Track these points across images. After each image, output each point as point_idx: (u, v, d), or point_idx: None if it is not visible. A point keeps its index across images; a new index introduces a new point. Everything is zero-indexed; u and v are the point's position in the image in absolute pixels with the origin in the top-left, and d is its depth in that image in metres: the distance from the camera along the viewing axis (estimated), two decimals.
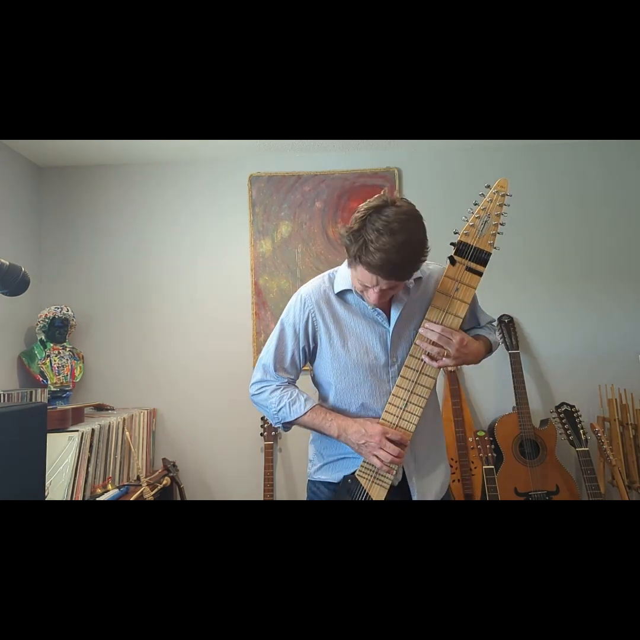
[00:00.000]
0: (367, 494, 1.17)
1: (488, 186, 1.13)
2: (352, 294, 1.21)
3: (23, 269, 0.99)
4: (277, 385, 1.24)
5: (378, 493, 1.17)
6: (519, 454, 2.22)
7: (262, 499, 2.28)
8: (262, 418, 2.37)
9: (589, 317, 2.44)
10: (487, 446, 2.15)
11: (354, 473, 1.19)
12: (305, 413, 1.20)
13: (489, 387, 2.43)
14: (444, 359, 1.14)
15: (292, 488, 2.43)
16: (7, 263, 0.97)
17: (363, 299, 1.19)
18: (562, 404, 2.18)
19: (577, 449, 2.08)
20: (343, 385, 1.22)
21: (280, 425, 1.24)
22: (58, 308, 2.28)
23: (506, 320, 2.40)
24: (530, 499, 2.16)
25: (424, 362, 1.15)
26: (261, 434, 2.37)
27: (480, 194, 1.12)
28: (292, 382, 1.27)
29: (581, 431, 2.10)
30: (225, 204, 2.54)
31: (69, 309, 2.32)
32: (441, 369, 1.18)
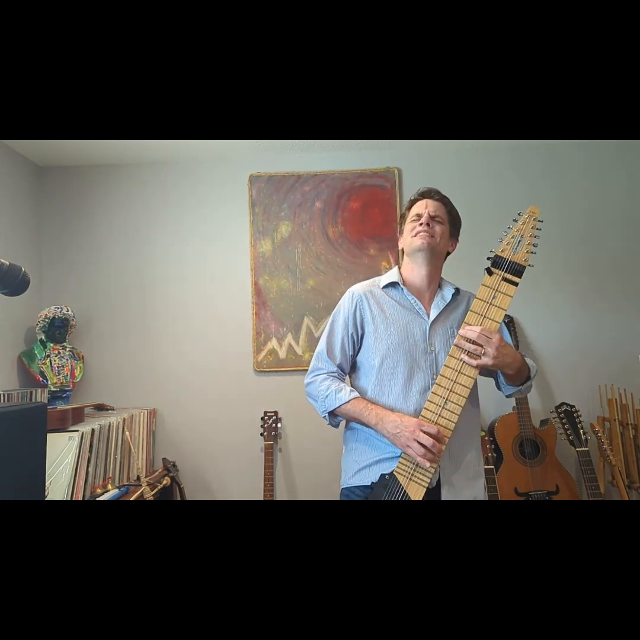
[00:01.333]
0: (405, 491, 1.18)
1: (520, 213, 1.26)
2: (397, 288, 1.38)
3: (23, 269, 0.99)
4: (327, 375, 1.34)
5: (416, 491, 1.18)
6: (519, 454, 2.22)
7: (262, 499, 2.28)
8: (262, 418, 2.37)
9: (589, 317, 2.44)
10: (487, 446, 2.15)
11: (392, 471, 1.21)
12: (349, 401, 1.27)
13: (489, 387, 2.43)
14: (482, 357, 1.19)
15: (292, 488, 2.43)
16: (7, 263, 0.96)
17: (407, 292, 1.36)
18: (562, 404, 2.18)
19: (577, 449, 2.08)
20: (385, 366, 1.29)
21: (326, 415, 1.32)
22: (58, 308, 2.28)
23: (506, 320, 2.39)
24: (530, 499, 2.16)
25: (463, 361, 1.21)
26: (261, 434, 2.37)
27: (513, 220, 1.26)
28: (341, 375, 1.37)
29: (581, 431, 2.10)
30: (225, 204, 2.54)
31: (69, 309, 2.32)
32: (477, 371, 1.22)
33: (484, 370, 1.32)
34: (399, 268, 1.42)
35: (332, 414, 1.32)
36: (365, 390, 1.33)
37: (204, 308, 2.50)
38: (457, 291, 1.39)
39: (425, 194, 1.38)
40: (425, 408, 1.21)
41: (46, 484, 1.43)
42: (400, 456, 1.20)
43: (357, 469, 1.30)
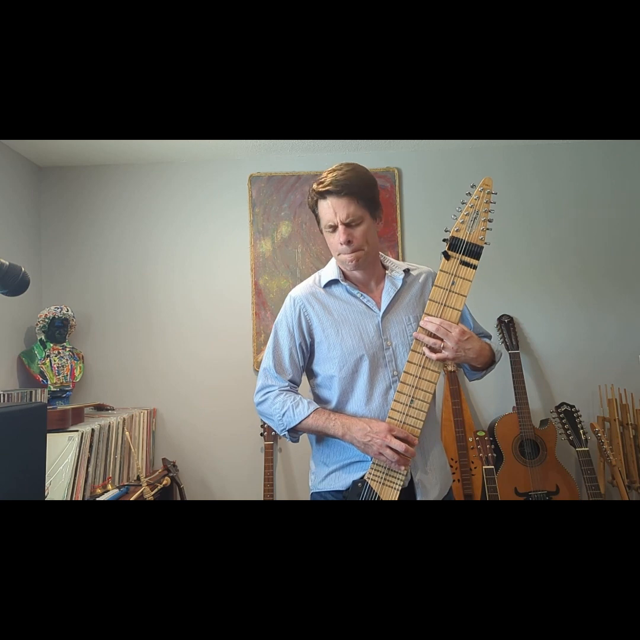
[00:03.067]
0: (378, 496, 1.15)
1: (473, 186, 1.16)
2: (340, 284, 1.27)
3: (23, 269, 0.99)
4: (279, 390, 1.24)
5: (389, 495, 1.15)
6: (519, 454, 2.22)
7: (262, 499, 2.28)
8: None
9: (589, 317, 2.44)
10: (487, 446, 2.15)
11: (363, 477, 1.17)
12: (309, 414, 1.19)
13: (489, 387, 2.43)
14: (443, 351, 1.13)
15: (292, 488, 2.43)
16: (7, 263, 0.96)
17: (349, 286, 1.24)
18: (562, 404, 2.18)
19: (577, 449, 2.08)
20: (343, 373, 1.21)
21: (285, 433, 1.23)
22: (58, 308, 2.28)
23: (506, 320, 2.40)
24: (530, 499, 2.16)
25: (425, 356, 1.15)
26: (261, 434, 2.37)
27: (466, 194, 1.15)
28: (294, 387, 1.27)
29: (581, 431, 2.10)
30: (225, 204, 2.54)
31: (69, 309, 2.32)
32: (442, 364, 1.17)
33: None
34: (336, 263, 1.29)
35: (293, 430, 1.23)
36: (328, 401, 1.26)
37: (204, 308, 2.50)
38: (407, 272, 1.28)
39: (328, 193, 1.16)
40: (392, 409, 1.15)
41: (46, 484, 1.43)
42: (371, 461, 1.16)
43: (326, 473, 1.25)
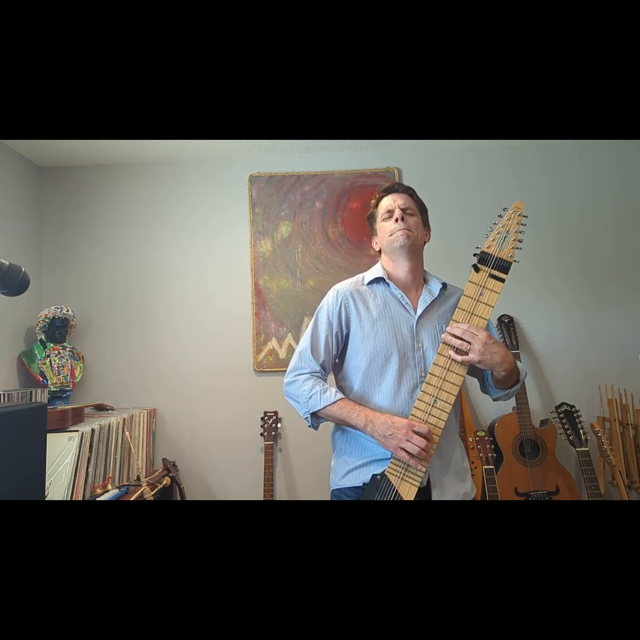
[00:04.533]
0: (397, 491, 1.16)
1: (505, 208, 1.25)
2: (383, 283, 1.35)
3: (23, 269, 0.99)
4: (309, 374, 1.29)
5: (408, 491, 1.16)
6: (519, 454, 2.22)
7: (262, 499, 2.28)
8: (262, 418, 2.37)
9: (589, 317, 2.44)
10: (487, 446, 2.15)
11: (383, 471, 1.19)
12: (335, 402, 1.23)
13: None
14: (469, 354, 1.17)
15: (292, 488, 2.43)
16: (7, 263, 0.96)
17: (392, 287, 1.33)
18: (562, 404, 2.18)
19: (577, 449, 2.08)
20: (373, 367, 1.27)
21: (308, 416, 1.27)
22: (58, 308, 2.28)
23: (506, 320, 2.40)
24: (530, 499, 2.16)
25: (451, 358, 1.19)
26: (261, 434, 2.37)
27: (498, 216, 1.25)
28: (323, 375, 1.32)
29: (581, 431, 2.10)
30: (225, 204, 2.54)
31: (69, 309, 2.32)
32: (467, 368, 1.20)
33: (474, 371, 1.30)
34: (382, 264, 1.39)
35: (315, 415, 1.27)
36: (353, 391, 1.30)
37: (204, 308, 2.50)
38: (445, 286, 1.37)
39: (390, 189, 1.38)
40: (415, 407, 1.19)
41: (46, 484, 1.43)
42: (391, 457, 1.19)
43: (347, 470, 1.28)
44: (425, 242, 1.40)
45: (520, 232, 1.23)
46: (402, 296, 1.32)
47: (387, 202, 1.35)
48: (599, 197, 2.48)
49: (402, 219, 1.31)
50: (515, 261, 1.23)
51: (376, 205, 1.39)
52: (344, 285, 1.38)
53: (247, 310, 2.49)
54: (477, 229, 2.31)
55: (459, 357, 1.18)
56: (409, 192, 1.37)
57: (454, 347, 1.19)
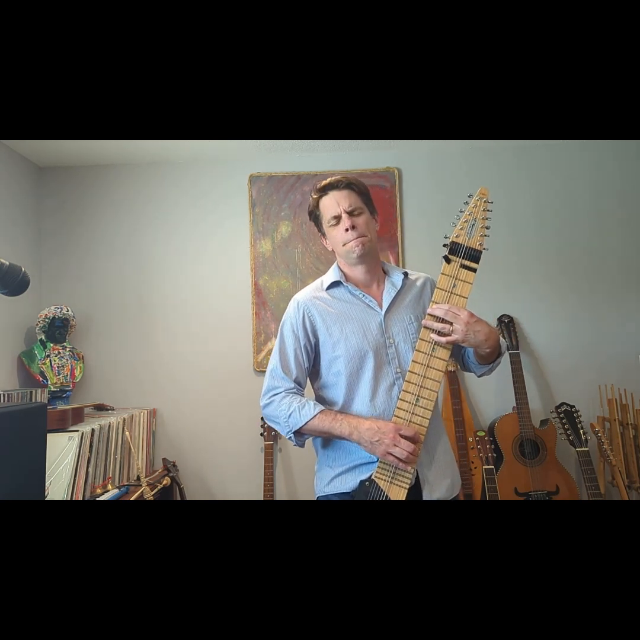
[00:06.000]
0: (386, 495, 1.15)
1: (470, 195, 1.21)
2: (342, 286, 1.30)
3: (23, 269, 0.99)
4: (285, 392, 1.25)
5: (397, 494, 1.15)
6: (519, 454, 2.22)
7: (262, 499, 2.28)
8: (262, 418, 2.37)
9: (589, 317, 2.44)
10: (487, 446, 2.15)
11: (370, 476, 1.17)
12: (315, 415, 1.19)
13: (489, 387, 2.43)
14: (453, 334, 1.15)
15: (292, 488, 2.43)
16: (7, 263, 0.96)
17: (352, 288, 1.28)
18: (562, 404, 2.18)
19: (577, 449, 2.08)
20: (349, 370, 1.23)
21: (292, 435, 1.23)
22: (58, 308, 2.28)
23: (506, 320, 2.40)
24: (530, 499, 2.16)
25: (434, 343, 1.16)
26: (261, 434, 2.37)
27: (464, 203, 1.21)
28: (299, 390, 1.28)
29: (581, 431, 2.10)
30: (225, 204, 2.54)
31: (69, 309, 2.32)
32: (449, 360, 1.18)
33: (454, 349, 1.25)
34: (338, 266, 1.33)
35: (298, 432, 1.22)
36: (335, 401, 1.26)
37: (204, 308, 2.50)
38: (406, 275, 1.33)
39: (329, 187, 1.27)
40: (398, 408, 1.16)
41: (46, 484, 1.43)
42: (377, 461, 1.16)
43: (332, 476, 1.24)
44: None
45: (487, 219, 1.19)
46: (364, 295, 1.28)
47: (330, 204, 1.25)
48: (603, 197, 2.48)
49: (353, 226, 1.23)
50: (485, 249, 1.19)
51: (316, 206, 1.29)
52: (304, 295, 1.32)
53: (247, 310, 2.49)
54: None
55: (442, 339, 1.15)
56: (351, 186, 1.26)
57: (436, 331, 1.16)
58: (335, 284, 1.30)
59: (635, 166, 2.48)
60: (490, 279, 2.45)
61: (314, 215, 1.32)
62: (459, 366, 1.39)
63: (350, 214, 1.24)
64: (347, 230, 1.23)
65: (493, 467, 2.13)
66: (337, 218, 1.25)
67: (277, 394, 1.26)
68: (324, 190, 1.27)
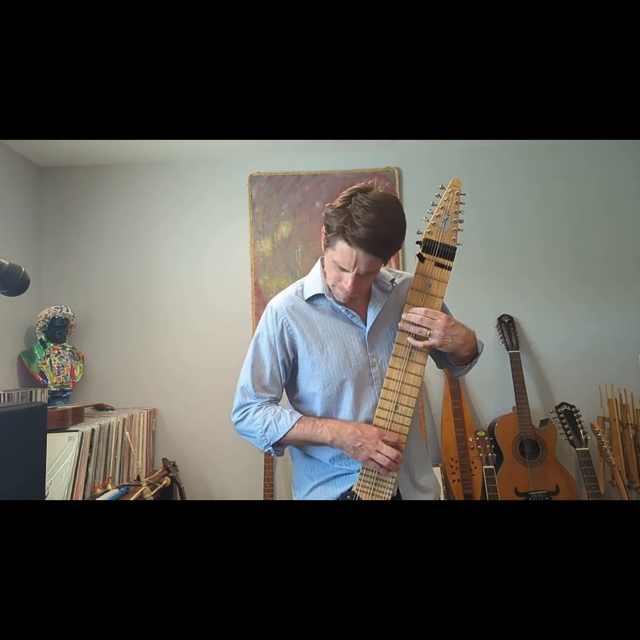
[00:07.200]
0: None
1: (442, 187, 1.16)
2: (323, 298, 1.19)
3: (23, 269, 0.99)
4: (258, 405, 1.18)
5: None
6: (519, 454, 2.22)
7: (262, 499, 2.28)
8: None
9: (589, 317, 2.44)
10: (487, 446, 2.15)
11: (350, 489, 1.14)
12: (294, 425, 1.14)
13: (489, 387, 2.43)
14: (430, 339, 1.11)
15: (292, 488, 2.43)
16: (7, 263, 0.97)
17: (335, 301, 1.17)
18: (562, 404, 2.18)
19: (577, 449, 2.08)
20: (328, 392, 1.17)
21: (270, 448, 1.17)
22: (58, 308, 2.28)
23: (506, 320, 2.40)
24: (530, 499, 2.16)
25: (411, 347, 1.13)
26: None
27: (436, 195, 1.16)
28: (274, 401, 1.21)
29: (581, 431, 2.10)
30: (225, 204, 2.54)
31: (69, 309, 2.32)
32: (425, 365, 1.15)
33: (432, 351, 1.21)
34: (322, 275, 1.20)
35: (277, 444, 1.16)
36: (313, 414, 1.19)
37: (204, 308, 2.50)
38: (393, 282, 1.23)
39: (353, 242, 1.03)
40: (377, 416, 1.13)
41: (46, 484, 1.43)
42: (358, 471, 1.13)
43: (311, 487, 1.21)
44: None
45: (459, 213, 1.14)
46: (346, 310, 1.18)
47: (347, 258, 1.06)
48: (599, 197, 2.48)
49: (353, 284, 1.09)
50: (459, 245, 1.13)
51: (334, 237, 1.07)
52: (282, 302, 1.20)
53: (247, 310, 2.49)
54: (477, 229, 2.31)
55: (419, 344, 1.12)
56: (378, 253, 1.05)
57: (413, 334, 1.12)
58: (317, 296, 1.20)
59: (637, 165, 2.48)
60: (490, 279, 2.45)
61: (329, 230, 1.10)
62: (436, 364, 1.34)
63: (360, 275, 1.09)
64: (345, 289, 1.11)
65: (493, 467, 2.13)
66: (345, 269, 1.09)
67: (249, 408, 1.19)
68: (350, 241, 1.03)
